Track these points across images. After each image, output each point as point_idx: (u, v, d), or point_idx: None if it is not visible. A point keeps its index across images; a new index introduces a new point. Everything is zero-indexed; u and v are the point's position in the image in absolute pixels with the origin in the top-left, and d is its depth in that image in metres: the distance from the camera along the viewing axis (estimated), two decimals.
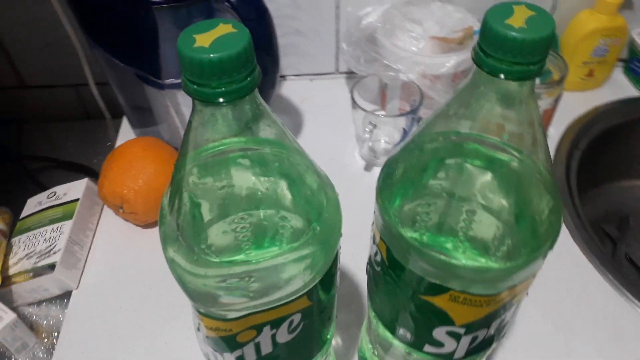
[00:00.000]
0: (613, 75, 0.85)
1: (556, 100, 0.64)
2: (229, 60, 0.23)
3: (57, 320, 0.58)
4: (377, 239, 0.35)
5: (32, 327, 0.58)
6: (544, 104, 0.64)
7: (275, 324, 0.31)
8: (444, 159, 0.31)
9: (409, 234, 0.31)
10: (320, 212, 0.30)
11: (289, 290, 0.29)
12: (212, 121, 0.25)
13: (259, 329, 0.31)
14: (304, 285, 0.29)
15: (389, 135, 0.70)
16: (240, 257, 0.28)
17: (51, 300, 0.60)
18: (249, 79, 0.24)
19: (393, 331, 0.38)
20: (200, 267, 0.27)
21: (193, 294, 0.29)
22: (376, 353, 0.45)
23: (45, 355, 0.55)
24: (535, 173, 0.30)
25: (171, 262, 0.29)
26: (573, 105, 0.79)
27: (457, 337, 0.35)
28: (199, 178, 0.28)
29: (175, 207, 0.28)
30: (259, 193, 0.29)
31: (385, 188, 0.33)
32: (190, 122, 0.26)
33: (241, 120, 0.26)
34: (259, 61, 0.57)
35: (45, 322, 0.59)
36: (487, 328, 0.35)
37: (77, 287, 0.59)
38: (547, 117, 0.66)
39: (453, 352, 0.36)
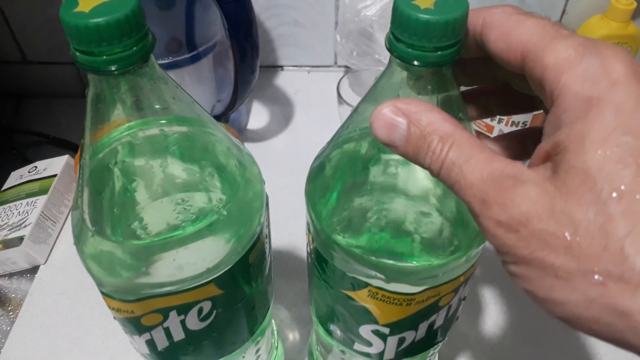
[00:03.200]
0: None
1: None
2: (107, 27, 0.21)
3: (25, 294, 0.58)
4: (306, 230, 0.34)
5: (0, 299, 0.58)
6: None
7: (182, 310, 0.30)
8: (367, 157, 0.30)
9: (329, 230, 0.30)
10: (230, 197, 0.29)
11: (185, 276, 0.28)
12: (107, 96, 0.25)
13: (164, 313, 0.30)
14: (206, 273, 0.28)
15: None
16: (135, 240, 0.27)
17: (22, 274, 0.60)
18: (135, 48, 0.23)
19: (326, 327, 0.37)
20: (97, 246, 0.27)
21: (94, 275, 0.29)
22: (319, 349, 0.44)
23: (8, 328, 0.55)
24: None
25: (77, 246, 0.29)
26: None
27: (382, 337, 0.33)
28: (104, 163, 0.27)
29: (81, 191, 0.28)
30: (164, 175, 0.28)
31: (313, 185, 0.32)
32: (86, 98, 0.25)
33: (141, 95, 0.25)
34: (238, 46, 0.56)
35: (13, 295, 0.59)
36: (414, 330, 0.33)
37: (45, 262, 0.59)
38: (540, 122, 0.64)
39: (382, 353, 0.35)
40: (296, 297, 0.55)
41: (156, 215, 0.28)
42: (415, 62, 0.24)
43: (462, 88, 0.29)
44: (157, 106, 0.26)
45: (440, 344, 0.38)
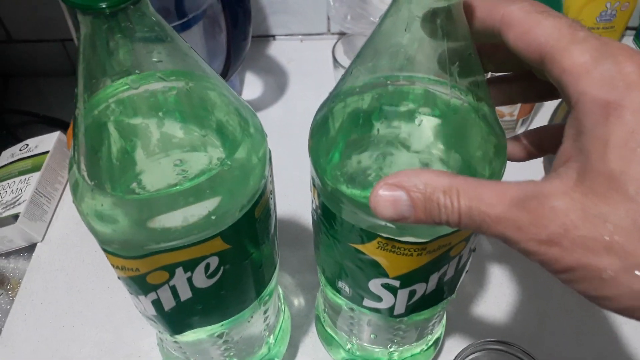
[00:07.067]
0: None
1: None
2: None
3: (23, 273, 0.57)
4: (311, 186, 0.33)
5: None
6: None
7: (188, 266, 0.29)
8: (370, 109, 0.29)
9: (335, 182, 0.29)
10: (232, 151, 0.28)
11: (190, 229, 0.27)
12: (99, 42, 0.23)
13: (170, 270, 0.29)
14: (211, 225, 0.27)
15: None
16: (137, 193, 0.26)
17: (19, 253, 0.59)
18: None
19: (334, 285, 0.36)
20: (98, 202, 0.26)
21: (96, 231, 0.28)
22: (326, 311, 0.44)
23: (8, 307, 0.55)
24: (477, 111, 0.28)
25: (75, 203, 0.28)
26: None
27: (393, 290, 0.33)
28: (100, 120, 0.26)
29: (77, 149, 0.27)
30: (168, 131, 0.26)
31: (317, 139, 0.31)
32: (79, 46, 0.24)
33: (137, 44, 0.24)
34: (230, 11, 0.55)
35: (11, 275, 0.58)
36: (425, 282, 0.32)
37: (42, 239, 0.58)
38: (526, 113, 0.63)
39: (392, 308, 0.34)
40: (299, 265, 0.55)
41: (156, 172, 0.27)
42: None
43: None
44: (154, 58, 0.25)
45: (449, 300, 0.38)
